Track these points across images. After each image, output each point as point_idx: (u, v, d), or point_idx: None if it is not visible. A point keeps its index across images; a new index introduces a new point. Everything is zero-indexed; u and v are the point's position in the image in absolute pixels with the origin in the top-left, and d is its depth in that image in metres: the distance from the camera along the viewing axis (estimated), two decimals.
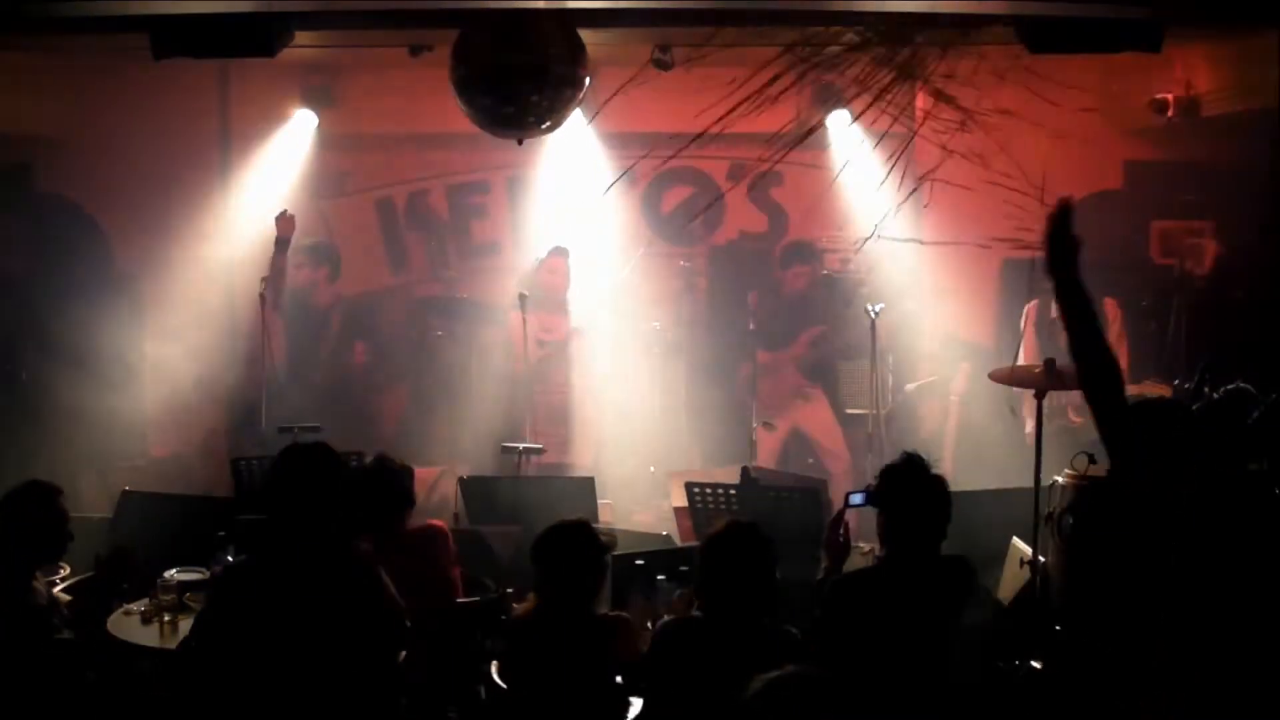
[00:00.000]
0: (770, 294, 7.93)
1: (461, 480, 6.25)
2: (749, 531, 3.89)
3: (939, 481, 4.08)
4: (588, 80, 6.03)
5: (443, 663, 4.56)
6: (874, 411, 7.44)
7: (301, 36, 6.10)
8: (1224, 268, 7.41)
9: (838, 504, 4.41)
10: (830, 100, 6.77)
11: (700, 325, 8.39)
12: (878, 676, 3.75)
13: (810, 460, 7.87)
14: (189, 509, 5.90)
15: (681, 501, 6.01)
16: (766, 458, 7.51)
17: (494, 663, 4.20)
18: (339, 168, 8.63)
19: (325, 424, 6.56)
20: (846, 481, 7.23)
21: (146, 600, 4.73)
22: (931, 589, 4.01)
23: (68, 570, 4.81)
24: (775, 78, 3.76)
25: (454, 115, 6.27)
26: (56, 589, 4.53)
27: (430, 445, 7.51)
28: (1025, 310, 7.17)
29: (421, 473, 5.64)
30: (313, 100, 8.11)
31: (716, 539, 3.91)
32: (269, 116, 8.13)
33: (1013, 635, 5.22)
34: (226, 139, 8.47)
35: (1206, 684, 3.04)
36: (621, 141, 7.72)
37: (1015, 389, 6.41)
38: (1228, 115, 7.14)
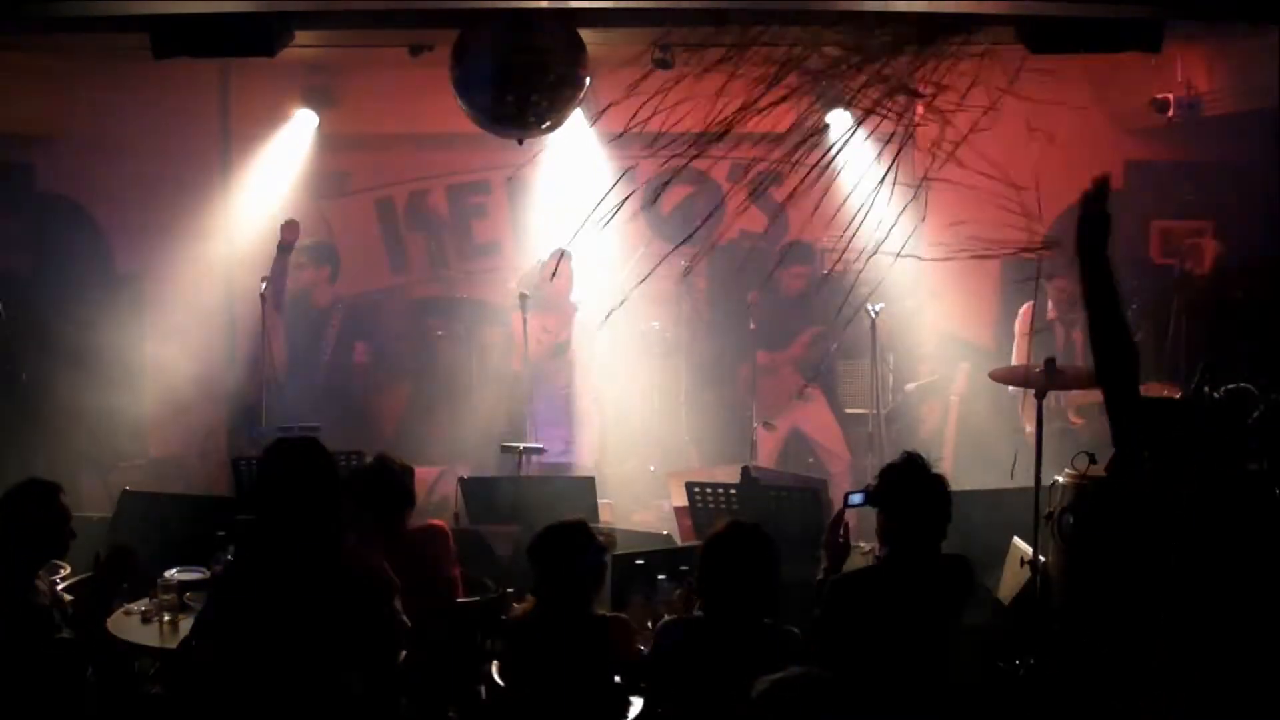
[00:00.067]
0: (770, 294, 7.94)
1: (461, 480, 6.24)
2: (750, 532, 3.90)
3: (939, 481, 4.08)
4: (588, 80, 6.03)
5: (443, 663, 4.56)
6: (874, 411, 7.44)
7: (301, 36, 6.11)
8: (1224, 268, 7.41)
9: (838, 504, 4.40)
10: (831, 100, 6.75)
11: (700, 325, 8.38)
12: (878, 676, 3.75)
13: (810, 460, 7.87)
14: (189, 509, 5.89)
15: (681, 501, 6.01)
16: (766, 458, 7.51)
17: (494, 663, 4.20)
18: (339, 167, 8.62)
19: (325, 424, 6.55)
20: (846, 481, 7.23)
21: (146, 600, 4.73)
22: (931, 589, 4.00)
23: (68, 570, 4.80)
24: (769, 86, 3.76)
25: (454, 115, 6.28)
26: (58, 588, 4.52)
27: (430, 445, 7.51)
28: (1020, 312, 7.17)
29: (421, 473, 5.63)
30: (313, 100, 8.09)
31: (718, 539, 3.91)
32: (269, 116, 8.12)
33: (1013, 635, 5.22)
34: (226, 139, 8.46)
35: (1206, 684, 3.04)
36: (622, 141, 7.69)
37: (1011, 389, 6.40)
38: (1228, 115, 7.15)
